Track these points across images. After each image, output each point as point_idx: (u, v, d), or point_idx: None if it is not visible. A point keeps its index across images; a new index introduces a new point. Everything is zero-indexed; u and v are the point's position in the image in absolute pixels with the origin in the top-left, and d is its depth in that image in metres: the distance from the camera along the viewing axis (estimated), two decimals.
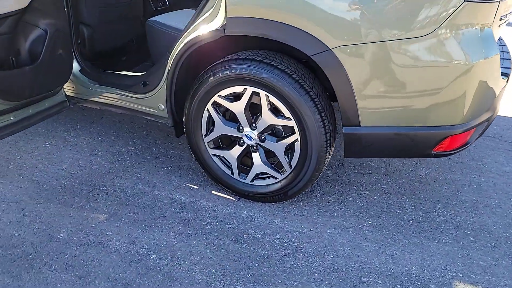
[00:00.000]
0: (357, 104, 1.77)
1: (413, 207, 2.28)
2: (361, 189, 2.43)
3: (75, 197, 2.34)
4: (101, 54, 2.84)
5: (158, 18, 2.64)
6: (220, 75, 2.01)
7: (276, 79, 1.89)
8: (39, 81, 2.21)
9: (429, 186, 2.45)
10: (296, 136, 2.00)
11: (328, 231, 2.11)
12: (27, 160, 2.66)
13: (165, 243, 2.02)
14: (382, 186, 2.46)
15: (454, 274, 1.86)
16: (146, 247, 1.99)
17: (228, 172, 2.30)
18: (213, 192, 2.41)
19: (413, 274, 1.85)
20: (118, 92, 2.49)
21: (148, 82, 2.35)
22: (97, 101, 2.61)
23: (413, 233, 2.09)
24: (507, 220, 2.18)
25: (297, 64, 2.01)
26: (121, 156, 2.75)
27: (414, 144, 1.81)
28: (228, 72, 1.98)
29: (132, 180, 2.50)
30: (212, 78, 2.04)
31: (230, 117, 2.22)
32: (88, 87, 2.57)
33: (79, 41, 2.62)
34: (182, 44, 2.06)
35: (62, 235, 2.06)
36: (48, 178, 2.49)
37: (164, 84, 2.25)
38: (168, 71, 2.18)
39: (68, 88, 2.62)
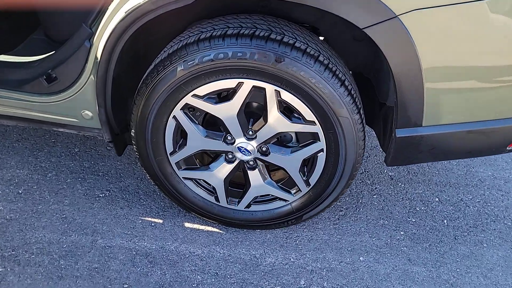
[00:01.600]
0: (425, 96, 1.19)
1: (437, 199, 1.89)
2: (369, 182, 1.94)
3: None
4: None
5: None
6: (196, 63, 1.21)
7: (296, 65, 1.19)
8: None
9: (438, 165, 2.08)
10: (321, 145, 1.36)
11: (360, 258, 1.60)
12: None
13: None
14: (389, 174, 2.01)
15: None
16: None
17: (211, 198, 1.58)
18: (187, 225, 1.68)
19: None
20: (1, 94, 1.50)
21: (55, 76, 1.41)
22: None
23: (455, 238, 1.70)
24: None
25: (316, 38, 1.31)
26: (24, 188, 1.79)
27: (488, 142, 1.33)
28: (212, 58, 1.20)
29: (54, 229, 1.62)
30: (181, 68, 1.23)
31: (208, 123, 1.47)
32: None
33: None
34: (122, 15, 1.18)
35: None
36: None
37: (90, 78, 1.36)
38: (97, 58, 1.30)
39: None
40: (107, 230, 1.64)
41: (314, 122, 1.30)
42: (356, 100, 1.28)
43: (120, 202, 1.77)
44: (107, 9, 1.22)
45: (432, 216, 1.80)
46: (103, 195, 1.80)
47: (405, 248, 1.64)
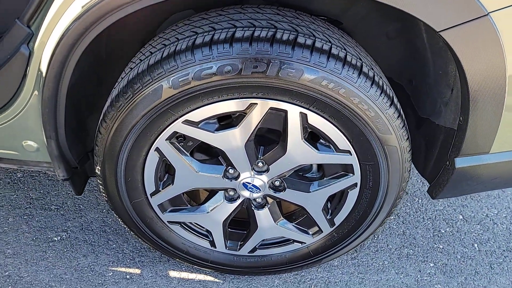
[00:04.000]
0: (503, 115, 0.89)
1: (461, 217, 1.64)
2: None
3: None
4: None
5: None
6: (190, 79, 0.84)
7: (334, 80, 0.84)
8: None
9: None
10: (355, 179, 1.04)
11: None
12: None
13: None
14: None
15: None
16: None
17: (205, 244, 1.23)
18: (172, 274, 1.32)
19: None
20: None
21: None
22: None
23: (491, 267, 1.46)
24: None
25: (351, 39, 0.97)
26: None
27: None
28: (215, 72, 0.82)
29: None
30: (168, 86, 0.85)
31: (200, 149, 1.10)
32: None
33: None
34: (77, 11, 0.77)
35: None
36: None
37: (31, 99, 0.94)
38: (41, 72, 0.88)
39: None
40: None
41: (349, 152, 0.98)
42: (405, 122, 0.97)
43: (82, 247, 1.37)
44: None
45: (460, 239, 1.55)
46: (59, 238, 1.39)
47: (439, 286, 1.39)
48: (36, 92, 0.92)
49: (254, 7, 0.92)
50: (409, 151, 0.99)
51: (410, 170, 1.04)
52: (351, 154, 0.98)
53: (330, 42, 0.87)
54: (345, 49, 0.88)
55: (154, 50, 0.88)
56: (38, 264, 1.31)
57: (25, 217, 1.45)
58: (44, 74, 0.87)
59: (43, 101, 0.90)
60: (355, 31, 1.14)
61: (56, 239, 1.39)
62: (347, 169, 1.03)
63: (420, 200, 1.69)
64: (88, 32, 0.78)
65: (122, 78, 0.92)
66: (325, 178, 1.07)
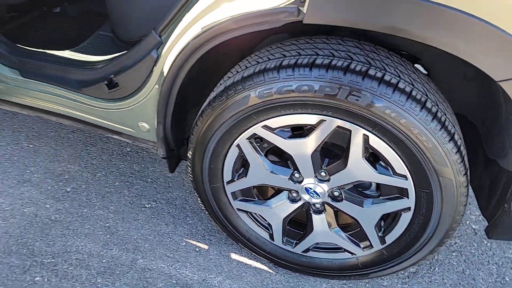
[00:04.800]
0: None
1: (489, 243, 1.57)
2: None
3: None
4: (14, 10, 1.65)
5: None
6: (273, 92, 1.02)
7: (397, 110, 0.95)
8: None
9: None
10: (409, 203, 1.12)
11: None
12: None
13: None
14: (473, 227, 1.71)
15: None
16: None
17: (265, 235, 1.40)
18: (233, 256, 1.52)
19: None
20: (61, 93, 1.40)
21: (116, 82, 1.28)
22: (25, 105, 1.51)
23: None
24: None
25: (422, 77, 1.07)
26: (73, 186, 1.71)
27: None
28: (293, 89, 0.99)
29: (96, 239, 1.52)
30: (255, 95, 1.04)
31: (272, 152, 1.27)
32: (4, 81, 1.45)
33: None
34: (197, 31, 1.00)
35: None
36: None
37: (152, 91, 1.21)
38: (163, 73, 1.14)
39: None
40: (149, 249, 1.51)
41: (405, 176, 1.07)
42: (465, 158, 1.02)
43: (166, 217, 1.64)
44: (181, 18, 1.05)
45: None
46: (149, 205, 1.68)
47: None
48: (156, 86, 1.18)
49: (338, 39, 1.07)
50: (466, 186, 1.05)
51: (465, 204, 1.09)
52: (407, 179, 1.07)
53: (399, 76, 0.97)
54: (412, 85, 0.98)
55: (249, 65, 1.08)
56: (130, 223, 1.60)
57: (127, 183, 1.77)
58: (165, 74, 1.12)
59: (161, 93, 1.16)
60: (433, 68, 1.22)
61: (147, 206, 1.68)
62: (403, 192, 1.11)
63: (489, 244, 1.65)
64: (203, 47, 1.01)
65: (220, 84, 1.14)
66: (381, 197, 1.17)
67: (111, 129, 1.40)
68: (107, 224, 1.59)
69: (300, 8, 0.89)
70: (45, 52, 1.48)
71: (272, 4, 0.92)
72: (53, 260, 1.45)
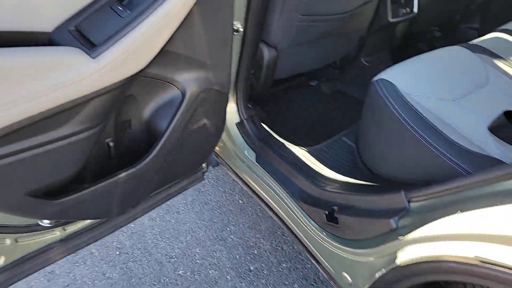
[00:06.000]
0: None
1: None
2: None
3: None
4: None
5: (400, 78, 1.24)
6: None
7: None
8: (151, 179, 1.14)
9: None
10: None
11: None
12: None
13: None
14: None
15: None
16: None
17: None
18: None
19: None
20: (282, 195, 1.34)
21: (337, 218, 1.12)
22: (248, 186, 1.54)
23: None
24: None
25: None
26: (256, 266, 1.68)
27: None
28: None
29: None
30: None
31: None
32: (241, 157, 1.51)
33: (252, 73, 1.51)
34: (423, 255, 0.74)
35: None
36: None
37: (379, 260, 1.00)
38: (395, 260, 0.91)
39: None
40: None
41: None
42: None
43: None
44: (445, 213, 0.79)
45: None
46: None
47: None
48: (384, 259, 0.96)
49: None
50: None
51: None
52: None
53: None
54: None
55: None
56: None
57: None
58: (398, 263, 0.90)
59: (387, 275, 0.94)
60: None
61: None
62: None
63: None
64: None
65: None
66: None
67: (316, 258, 1.26)
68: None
69: None
70: (284, 145, 1.46)
71: None
72: None
